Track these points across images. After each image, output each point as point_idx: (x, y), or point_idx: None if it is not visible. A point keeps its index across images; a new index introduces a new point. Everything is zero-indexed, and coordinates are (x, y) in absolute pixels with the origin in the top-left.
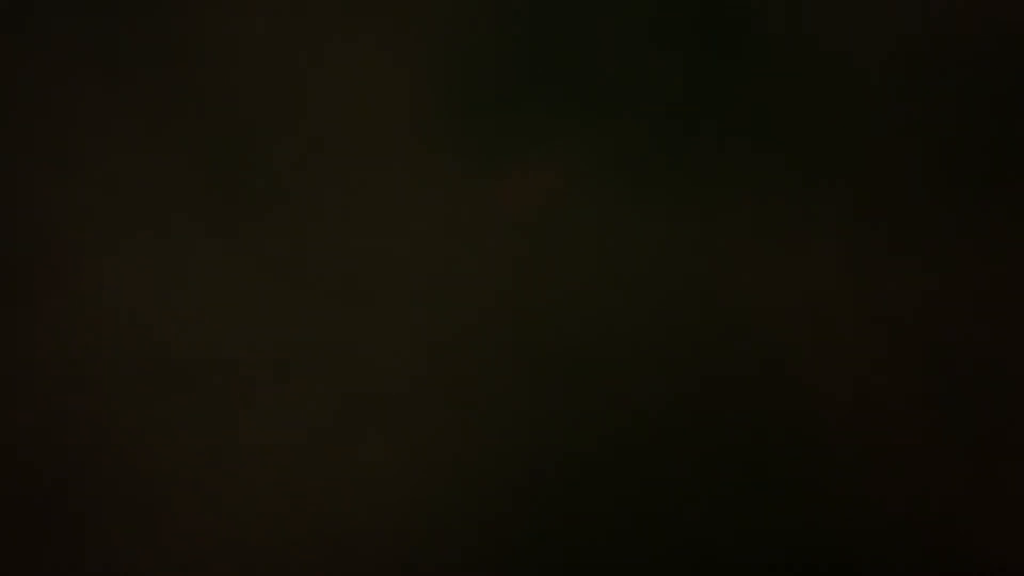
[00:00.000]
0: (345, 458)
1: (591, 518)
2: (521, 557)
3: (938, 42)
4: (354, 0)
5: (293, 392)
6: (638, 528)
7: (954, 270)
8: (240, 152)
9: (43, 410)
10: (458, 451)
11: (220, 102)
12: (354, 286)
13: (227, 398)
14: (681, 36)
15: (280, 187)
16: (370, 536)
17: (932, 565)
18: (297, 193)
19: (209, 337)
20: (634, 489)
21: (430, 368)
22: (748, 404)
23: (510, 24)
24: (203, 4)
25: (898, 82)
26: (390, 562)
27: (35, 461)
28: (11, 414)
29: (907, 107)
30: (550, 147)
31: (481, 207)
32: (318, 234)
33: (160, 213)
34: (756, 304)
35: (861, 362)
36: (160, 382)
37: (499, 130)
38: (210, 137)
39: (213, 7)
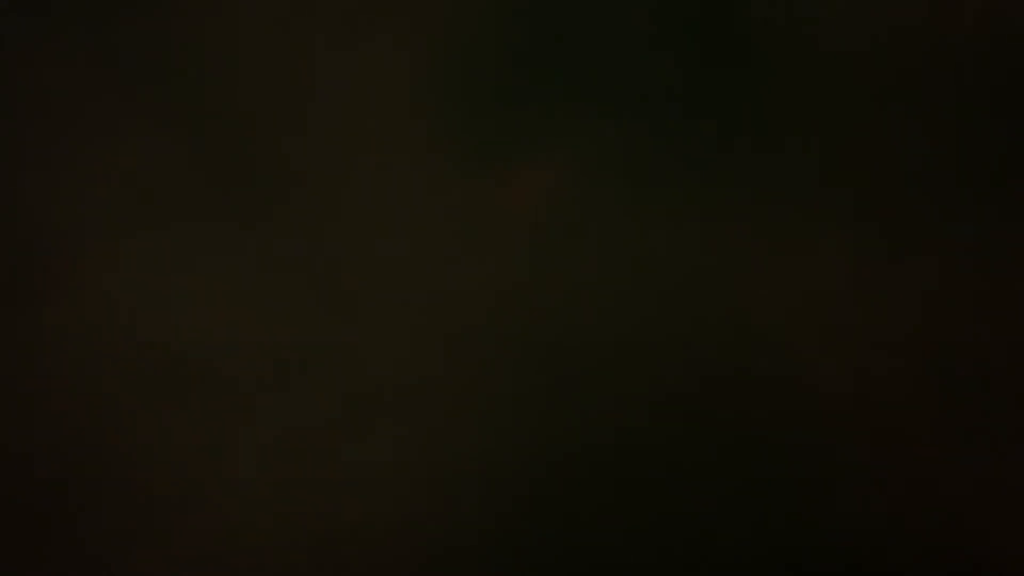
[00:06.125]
0: (349, 456)
1: (595, 513)
2: (528, 551)
3: (939, 43)
4: (357, 3)
5: (296, 391)
6: (641, 524)
7: (954, 270)
8: (242, 154)
9: (43, 410)
10: (461, 449)
11: (222, 104)
12: (356, 285)
13: (229, 397)
14: (682, 36)
15: (282, 188)
16: (372, 534)
17: (933, 563)
18: (299, 194)
19: (211, 337)
20: (637, 486)
21: (431, 366)
22: (749, 403)
23: (511, 25)
24: (208, 6)
25: (899, 83)
26: (392, 560)
27: (35, 460)
28: (11, 414)
29: (908, 108)
30: (550, 147)
31: (482, 206)
32: (320, 234)
33: (161, 214)
34: (758, 303)
35: (863, 362)
36: (161, 382)
37: (500, 130)
38: (212, 139)
39: (218, 9)
